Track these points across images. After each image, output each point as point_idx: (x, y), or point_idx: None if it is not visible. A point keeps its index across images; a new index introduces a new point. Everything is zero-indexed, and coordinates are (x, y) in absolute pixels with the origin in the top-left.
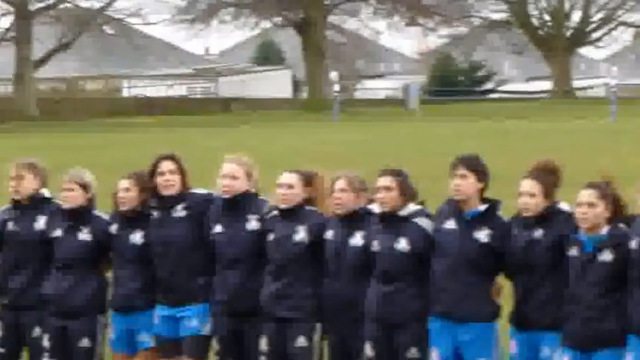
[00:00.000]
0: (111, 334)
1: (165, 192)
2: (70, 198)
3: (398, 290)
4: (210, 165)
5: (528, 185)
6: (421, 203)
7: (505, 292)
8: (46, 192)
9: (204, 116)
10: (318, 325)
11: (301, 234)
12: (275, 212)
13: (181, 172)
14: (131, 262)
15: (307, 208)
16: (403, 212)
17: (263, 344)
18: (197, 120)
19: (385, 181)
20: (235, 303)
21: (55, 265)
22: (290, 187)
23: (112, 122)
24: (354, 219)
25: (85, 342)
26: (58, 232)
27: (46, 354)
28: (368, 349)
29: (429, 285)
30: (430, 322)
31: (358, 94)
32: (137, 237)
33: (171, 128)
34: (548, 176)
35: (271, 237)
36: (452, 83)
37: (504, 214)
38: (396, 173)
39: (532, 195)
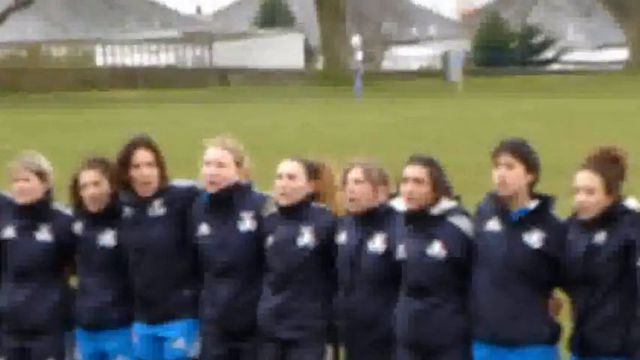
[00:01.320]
0: (77, 357)
1: (142, 190)
2: (26, 190)
3: (433, 306)
4: (203, 148)
5: (586, 179)
6: (456, 199)
7: (563, 310)
8: None
9: (195, 90)
10: (329, 349)
11: (307, 237)
12: (274, 209)
13: (159, 162)
14: (101, 269)
15: (314, 204)
16: (435, 210)
17: None
18: (187, 95)
19: (414, 171)
20: (228, 320)
21: (8, 273)
22: (291, 177)
23: (83, 96)
24: (373, 218)
25: None
26: (9, 233)
27: None
28: None
29: (471, 300)
30: (475, 348)
31: (386, 65)
32: (107, 238)
33: (155, 104)
34: (611, 167)
35: (270, 240)
36: (502, 51)
37: (566, 214)
38: (428, 162)
39: (590, 191)
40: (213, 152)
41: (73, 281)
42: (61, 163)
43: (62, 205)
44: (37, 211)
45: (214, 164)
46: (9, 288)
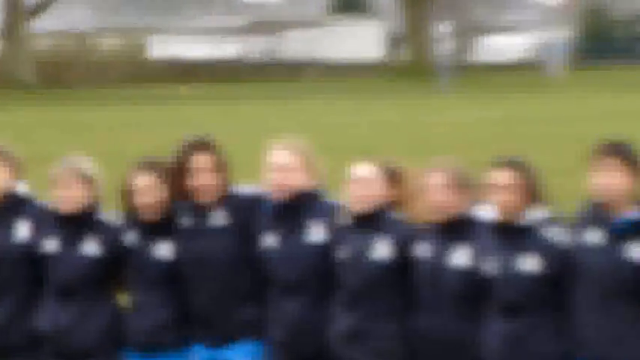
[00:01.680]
0: None
1: (201, 199)
2: (70, 198)
3: (528, 327)
4: (269, 154)
5: None
6: (551, 207)
7: None
8: (22, 188)
9: (261, 86)
10: None
11: (383, 249)
12: (346, 219)
13: (221, 167)
14: (156, 284)
15: (391, 213)
16: (526, 220)
17: None
18: (252, 91)
19: (503, 176)
20: (296, 342)
21: (50, 290)
22: (367, 183)
23: (135, 93)
24: (457, 229)
25: None
26: (51, 246)
27: None
28: None
29: (570, 320)
30: None
31: (477, 56)
32: (163, 250)
33: (216, 101)
34: None
35: (342, 253)
36: (608, 41)
37: None
38: (519, 166)
39: None
40: (280, 156)
41: (121, 299)
42: (110, 167)
43: (111, 214)
44: (82, 222)
45: (281, 169)
46: (52, 307)
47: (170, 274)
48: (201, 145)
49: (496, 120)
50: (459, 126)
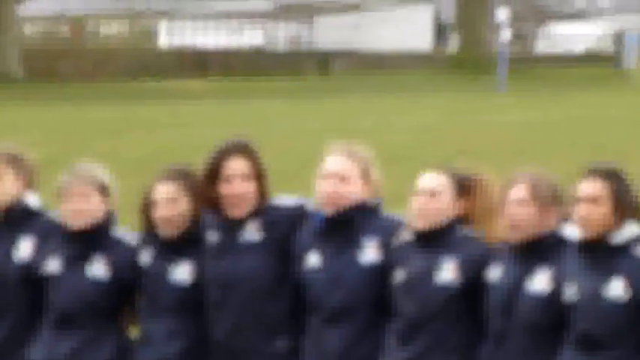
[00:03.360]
0: None
1: (235, 211)
2: (85, 212)
3: None
4: (301, 157)
5: None
6: None
7: None
8: (32, 200)
9: (288, 80)
10: None
11: (449, 272)
12: (408, 236)
13: (259, 174)
14: (170, 311)
15: (461, 230)
16: (618, 238)
17: None
18: (277, 85)
19: (590, 187)
20: None
21: (49, 317)
22: (434, 195)
23: (141, 87)
24: (538, 250)
25: None
26: (54, 266)
27: None
28: None
29: None
30: None
31: (540, 46)
32: (182, 273)
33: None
34: None
35: (400, 275)
36: None
37: None
38: (609, 175)
39: None
40: (334, 163)
41: (133, 331)
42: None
43: (127, 231)
44: (93, 239)
45: (335, 177)
46: (50, 336)
47: (187, 300)
48: (237, 149)
49: (560, 119)
50: (517, 127)
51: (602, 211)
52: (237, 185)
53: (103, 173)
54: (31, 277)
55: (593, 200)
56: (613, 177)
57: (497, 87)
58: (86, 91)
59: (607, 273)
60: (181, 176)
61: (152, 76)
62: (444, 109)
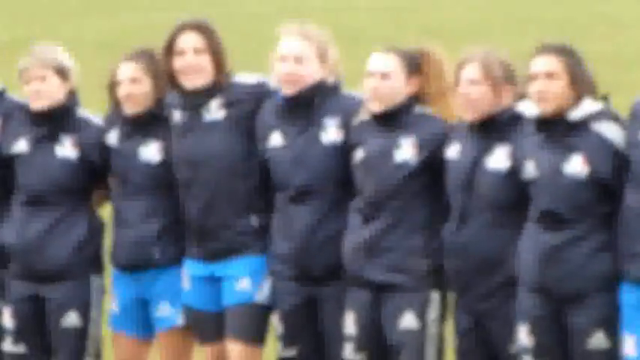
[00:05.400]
0: (112, 306)
1: (188, 83)
2: (43, 93)
3: (571, 241)
4: (260, 38)
5: None
6: (604, 99)
7: None
8: None
9: None
10: (435, 296)
11: (407, 150)
12: (365, 117)
13: (214, 49)
14: (142, 192)
15: (417, 109)
16: (575, 114)
17: (350, 324)
18: None
19: (545, 62)
20: (306, 257)
21: (18, 199)
22: (385, 76)
23: None
24: (494, 127)
25: (71, 318)
26: (21, 147)
27: (9, 338)
28: (523, 335)
29: (620, 234)
30: (623, 294)
31: None
32: (151, 151)
33: None
34: None
35: (360, 155)
36: None
37: None
38: (563, 50)
39: None
40: (290, 44)
41: (105, 212)
42: (79, 57)
43: (90, 112)
44: (57, 119)
45: (292, 59)
46: (19, 218)
47: (158, 179)
48: (190, 25)
49: None
50: (484, 3)
51: (558, 86)
52: (189, 57)
53: (61, 55)
54: None
55: (549, 75)
56: (567, 52)
57: None
58: None
59: (566, 149)
60: (143, 56)
61: None
62: None
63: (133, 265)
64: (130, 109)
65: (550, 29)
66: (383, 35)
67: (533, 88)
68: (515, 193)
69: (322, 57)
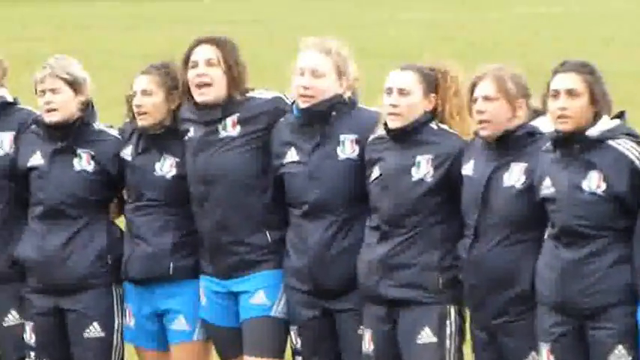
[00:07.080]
0: (126, 320)
1: (199, 96)
2: (55, 105)
3: (590, 257)
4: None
5: None
6: (620, 116)
7: None
8: (6, 94)
9: None
10: (453, 311)
11: (424, 167)
12: (382, 133)
13: (229, 64)
14: (157, 206)
15: (434, 125)
16: (593, 131)
17: (367, 342)
18: None
19: (566, 80)
20: (320, 273)
21: (35, 212)
22: (403, 93)
23: None
24: (510, 144)
25: (94, 329)
26: (37, 160)
27: (32, 354)
28: (545, 355)
29: (637, 250)
30: None
31: None
32: (166, 166)
33: None
34: None
35: (376, 172)
36: None
37: None
38: (583, 68)
39: None
40: (308, 57)
41: (120, 223)
42: (114, 70)
43: (107, 125)
44: (73, 132)
45: (309, 72)
46: (38, 232)
47: (173, 194)
48: (208, 39)
49: (557, 15)
50: (523, 22)
51: (579, 104)
52: (200, 69)
53: (75, 67)
54: (13, 171)
55: (571, 93)
56: (588, 70)
57: None
58: None
59: (583, 166)
60: (158, 69)
61: None
62: (442, 3)
63: (148, 279)
64: (141, 121)
65: None
66: (428, 51)
67: (554, 105)
68: (530, 209)
69: (340, 72)
